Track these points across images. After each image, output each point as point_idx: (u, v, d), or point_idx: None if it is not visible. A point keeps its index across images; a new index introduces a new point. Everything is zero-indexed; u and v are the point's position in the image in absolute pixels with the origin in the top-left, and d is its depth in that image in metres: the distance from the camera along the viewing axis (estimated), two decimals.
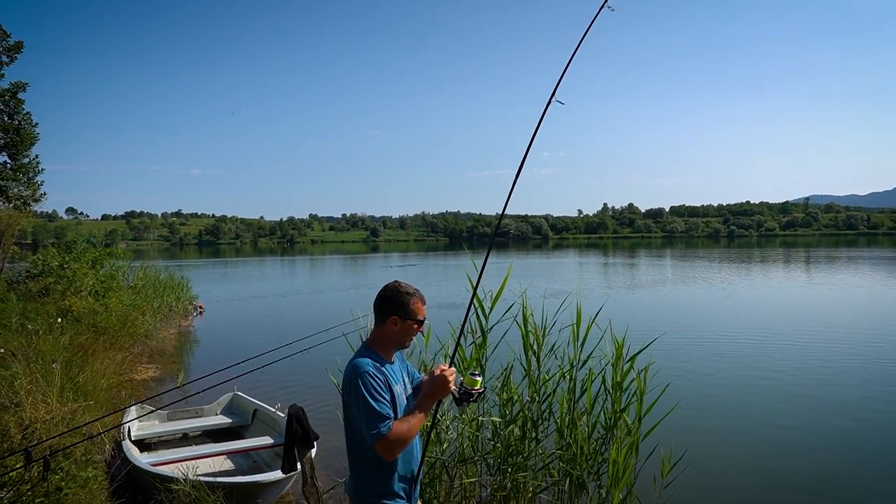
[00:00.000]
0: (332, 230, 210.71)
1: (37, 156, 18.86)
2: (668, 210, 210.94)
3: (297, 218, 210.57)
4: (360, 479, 2.67)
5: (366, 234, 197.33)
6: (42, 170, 19.02)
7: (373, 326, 2.81)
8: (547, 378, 5.08)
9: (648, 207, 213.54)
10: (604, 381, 4.97)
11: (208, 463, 6.87)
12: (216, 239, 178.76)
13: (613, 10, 3.34)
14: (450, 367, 2.76)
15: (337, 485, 6.33)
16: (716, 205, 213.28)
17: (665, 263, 51.55)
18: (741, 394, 10.17)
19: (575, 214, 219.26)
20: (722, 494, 6.54)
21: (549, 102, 3.22)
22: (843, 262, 47.07)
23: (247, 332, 17.74)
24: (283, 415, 7.25)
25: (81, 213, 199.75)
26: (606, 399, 4.91)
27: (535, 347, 4.99)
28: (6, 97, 17.71)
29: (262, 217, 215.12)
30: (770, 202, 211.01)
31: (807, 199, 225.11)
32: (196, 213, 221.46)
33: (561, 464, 4.83)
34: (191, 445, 7.61)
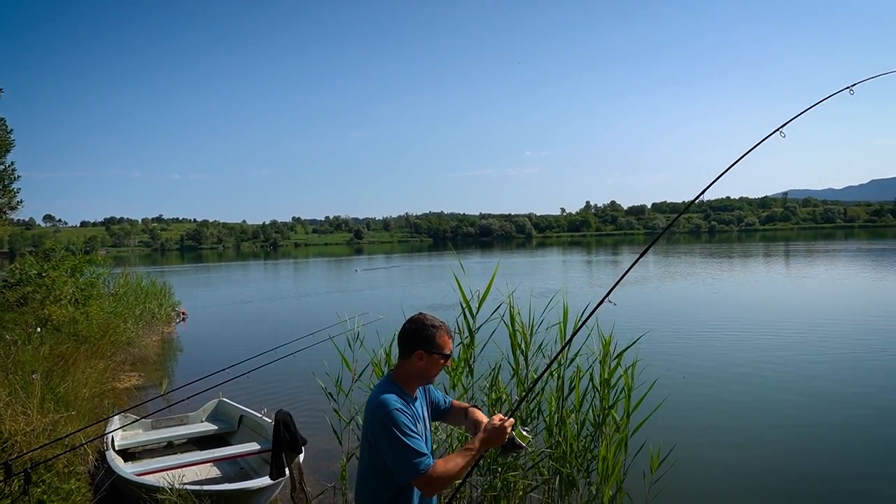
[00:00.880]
0: (315, 233, 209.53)
1: (12, 163, 18.46)
2: (649, 207, 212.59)
3: (279, 221, 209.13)
4: None
5: (349, 237, 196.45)
6: (18, 177, 18.66)
7: (397, 360, 2.74)
8: (535, 376, 5.07)
9: (630, 205, 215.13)
10: (591, 379, 4.98)
11: (194, 471, 6.78)
12: (198, 244, 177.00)
13: (784, 136, 3.33)
14: (509, 418, 2.69)
15: (326, 489, 6.29)
16: (697, 200, 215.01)
17: (648, 260, 51.91)
18: (728, 389, 10.25)
19: (558, 213, 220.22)
20: (710, 489, 6.58)
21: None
22: (823, 256, 47.77)
23: (231, 338, 17.58)
24: (269, 420, 7.18)
25: (60, 221, 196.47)
26: (594, 396, 4.92)
27: (522, 346, 4.98)
28: None
29: (244, 221, 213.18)
30: (749, 197, 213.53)
31: (785, 193, 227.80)
32: (177, 218, 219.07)
33: (551, 462, 4.83)
34: (176, 454, 7.50)
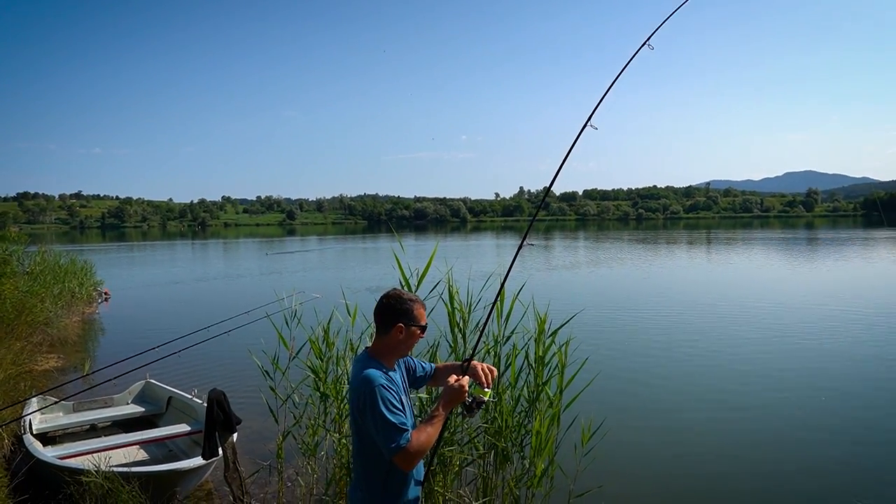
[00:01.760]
0: (246, 213, 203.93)
1: None
2: (581, 194, 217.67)
3: (208, 200, 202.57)
4: (373, 492, 2.65)
5: (282, 217, 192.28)
6: None
7: (375, 335, 2.78)
8: (472, 354, 5.16)
9: (563, 191, 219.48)
10: (527, 356, 5.10)
11: (121, 454, 6.57)
12: (121, 222, 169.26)
13: (653, 48, 3.42)
14: (464, 376, 2.79)
15: (261, 468, 6.22)
16: (625, 189, 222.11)
17: (579, 245, 53.32)
18: (655, 366, 10.75)
19: (492, 197, 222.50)
20: (636, 459, 6.92)
21: (583, 127, 3.44)
22: (742, 244, 50.35)
23: (158, 318, 16.99)
24: (200, 401, 7.02)
25: None
26: (529, 373, 5.05)
27: (461, 325, 5.06)
28: None
29: (171, 199, 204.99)
30: (675, 186, 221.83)
31: (708, 183, 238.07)
32: (98, 195, 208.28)
33: (486, 437, 4.94)
34: (100, 437, 7.23)
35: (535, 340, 5.05)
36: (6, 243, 16.30)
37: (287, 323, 5.53)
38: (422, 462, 2.78)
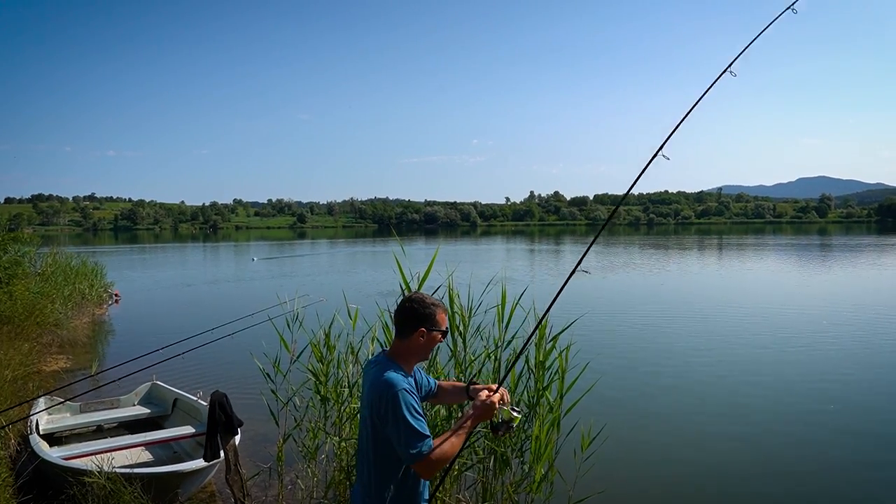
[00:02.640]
0: (257, 216, 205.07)
1: None
2: (591, 198, 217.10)
3: (220, 203, 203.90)
4: (383, 498, 2.58)
5: (292, 220, 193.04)
6: None
7: (394, 338, 2.73)
8: (473, 358, 5.17)
9: (573, 195, 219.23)
10: (527, 361, 5.09)
11: (125, 455, 6.61)
12: (133, 224, 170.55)
13: (735, 75, 3.30)
14: (495, 394, 2.70)
15: (261, 471, 6.24)
16: (637, 193, 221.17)
17: (589, 249, 53.02)
18: (658, 371, 10.69)
19: (503, 202, 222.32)
20: (637, 466, 6.89)
21: (654, 156, 3.34)
22: (754, 249, 49.99)
23: (166, 320, 17.11)
24: (205, 403, 7.05)
25: None
26: (529, 378, 5.04)
27: (461, 328, 5.06)
28: None
29: (182, 202, 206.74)
30: (686, 192, 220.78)
31: (720, 189, 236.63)
32: (111, 197, 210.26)
33: (486, 441, 4.94)
34: (106, 438, 7.29)
35: (536, 345, 5.04)
36: (19, 245, 16.48)
37: (289, 326, 5.55)
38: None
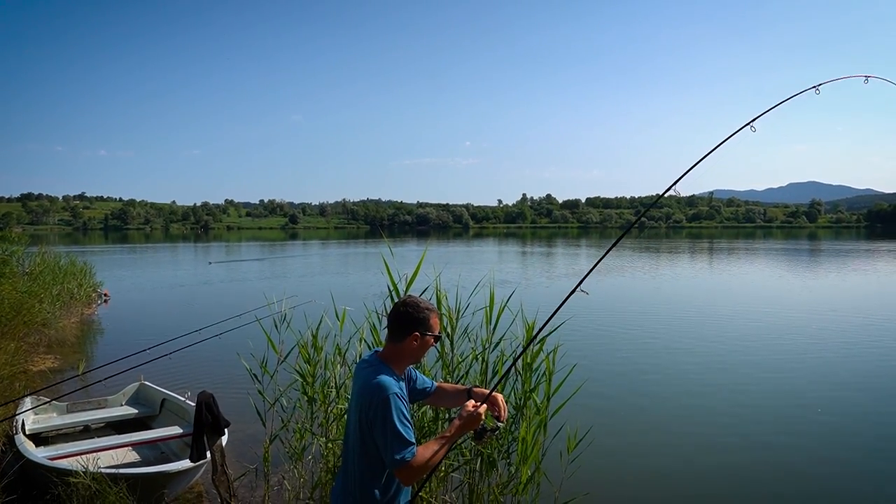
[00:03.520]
0: (249, 216, 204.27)
1: None
2: (584, 201, 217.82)
3: (211, 203, 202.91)
4: (368, 498, 2.59)
5: (284, 221, 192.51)
6: None
7: (387, 341, 2.72)
8: (460, 360, 5.18)
9: (566, 199, 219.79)
10: (514, 363, 5.10)
11: (111, 455, 6.58)
12: (124, 224, 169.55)
13: (755, 131, 3.31)
14: (482, 404, 2.68)
15: (248, 471, 6.23)
16: (628, 197, 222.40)
17: (580, 252, 53.31)
18: (645, 374, 10.75)
19: (495, 204, 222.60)
20: (622, 467, 6.92)
21: (667, 190, 3.40)
22: (744, 254, 50.29)
23: (155, 320, 17.04)
24: (192, 403, 7.03)
25: None
26: (517, 380, 5.05)
27: (448, 329, 5.07)
28: None
29: (174, 202, 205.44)
30: (678, 195, 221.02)
31: (711, 193, 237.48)
32: (102, 197, 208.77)
33: (472, 443, 4.94)
34: (93, 438, 7.25)
35: (523, 346, 5.05)
36: (6, 244, 16.37)
37: (277, 327, 5.55)
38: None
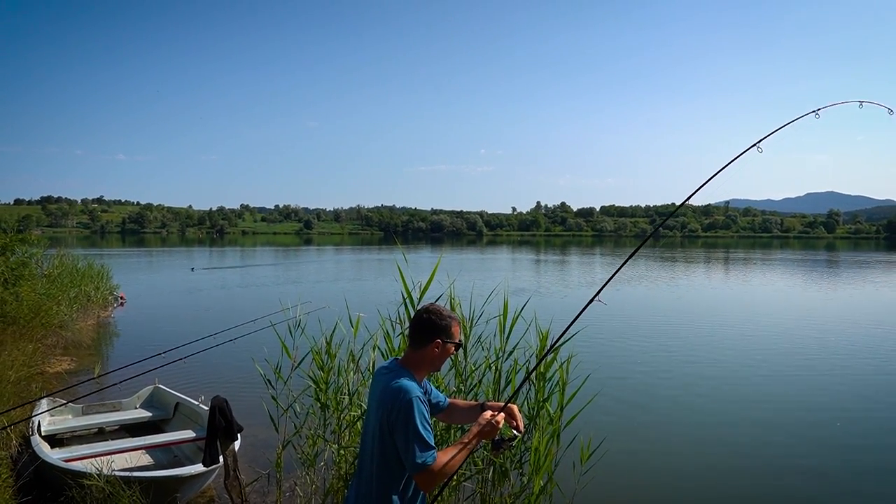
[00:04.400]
0: (263, 221, 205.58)
1: None
2: (598, 210, 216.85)
3: (227, 208, 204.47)
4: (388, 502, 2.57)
5: (299, 226, 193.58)
6: None
7: (407, 348, 2.75)
8: (473, 368, 5.16)
9: (580, 207, 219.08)
10: (528, 372, 5.08)
11: (125, 458, 6.62)
12: (141, 227, 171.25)
13: (762, 151, 3.41)
14: (499, 414, 2.70)
15: (260, 477, 6.24)
16: (643, 206, 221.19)
17: (595, 261, 53.06)
18: (659, 386, 10.64)
19: (509, 212, 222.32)
20: (636, 480, 6.85)
21: (663, 222, 3.23)
22: (760, 264, 49.78)
23: (170, 324, 17.16)
24: (206, 408, 7.06)
25: None
26: (530, 389, 5.03)
27: (461, 338, 5.05)
28: None
29: (190, 206, 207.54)
30: (694, 205, 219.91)
31: (727, 202, 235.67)
32: (119, 200, 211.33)
33: (485, 452, 4.92)
34: (107, 440, 7.30)
35: (537, 356, 5.03)
36: (26, 246, 16.59)
37: (291, 332, 5.56)
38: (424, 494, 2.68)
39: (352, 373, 5.27)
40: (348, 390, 5.22)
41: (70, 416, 7.73)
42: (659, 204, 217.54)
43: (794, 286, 31.54)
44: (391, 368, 2.68)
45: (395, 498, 2.56)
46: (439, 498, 4.76)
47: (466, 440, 2.58)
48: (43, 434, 6.87)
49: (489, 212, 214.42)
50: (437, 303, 2.85)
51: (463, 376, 5.10)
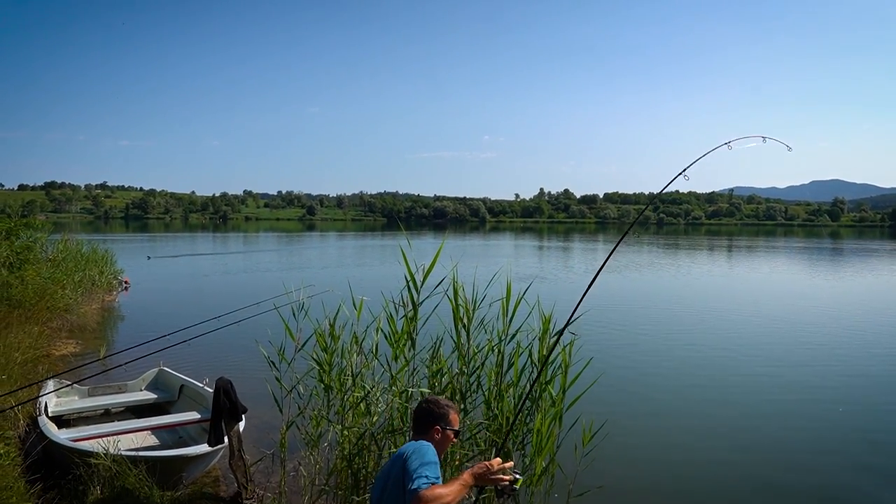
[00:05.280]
0: (266, 207, 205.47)
1: None
2: (601, 197, 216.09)
3: (230, 193, 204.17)
4: None
5: (302, 213, 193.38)
6: None
7: (413, 435, 2.97)
8: (476, 351, 5.19)
9: (583, 193, 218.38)
10: (530, 355, 5.12)
11: (131, 438, 6.70)
12: (144, 213, 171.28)
13: (688, 178, 3.78)
14: (495, 458, 2.80)
15: (264, 457, 6.30)
16: (647, 192, 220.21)
17: (598, 247, 53.02)
18: (661, 369, 10.69)
19: (512, 198, 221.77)
20: (637, 461, 6.91)
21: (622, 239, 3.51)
22: (763, 252, 49.69)
23: (174, 307, 17.24)
24: (210, 390, 7.12)
25: None
26: (532, 371, 5.06)
27: (464, 321, 5.08)
28: None
29: (193, 192, 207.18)
30: (697, 192, 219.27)
31: (731, 190, 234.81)
32: (123, 186, 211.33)
33: (488, 433, 4.97)
34: (113, 421, 7.38)
35: (539, 339, 5.06)
36: (31, 231, 16.64)
37: (295, 315, 5.59)
38: None
39: (355, 355, 5.31)
40: (351, 372, 5.26)
41: (76, 398, 7.80)
42: (662, 192, 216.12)
43: (798, 274, 31.50)
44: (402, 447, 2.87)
45: None
46: (444, 479, 4.82)
47: (461, 478, 2.66)
48: (50, 415, 6.94)
49: (492, 198, 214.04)
50: (435, 395, 2.99)
51: (466, 358, 5.13)
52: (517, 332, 5.19)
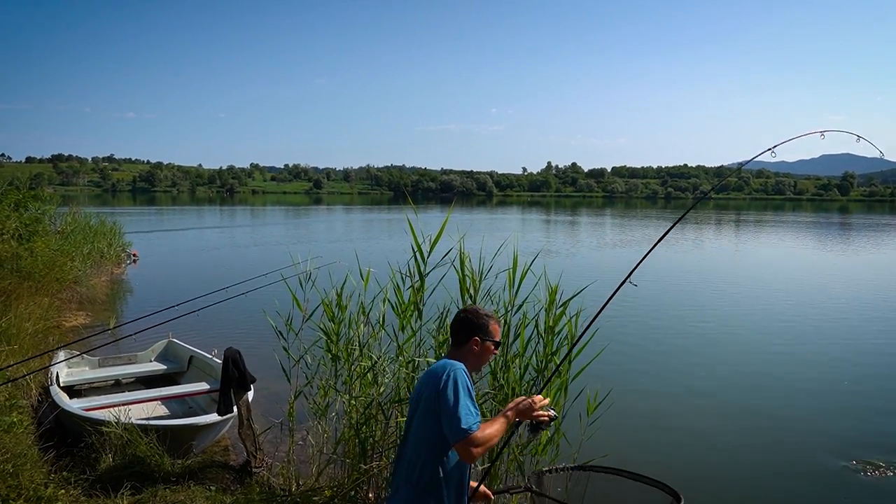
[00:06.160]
0: (273, 180, 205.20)
1: None
2: (609, 171, 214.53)
3: (237, 167, 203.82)
4: (420, 489, 2.56)
5: (308, 186, 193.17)
6: None
7: (450, 347, 2.83)
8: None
9: (591, 167, 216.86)
10: (536, 326, 5.12)
11: (141, 408, 6.80)
12: (151, 186, 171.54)
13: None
14: (543, 397, 2.78)
15: (272, 426, 6.38)
16: (655, 167, 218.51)
17: (605, 222, 52.86)
18: (666, 340, 10.74)
19: (519, 172, 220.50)
20: (642, 431, 6.98)
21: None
22: (770, 226, 49.42)
23: (183, 280, 17.36)
24: (219, 361, 7.19)
25: (3, 155, 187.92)
26: (538, 342, 5.07)
27: (471, 291, 5.08)
28: None
29: (200, 165, 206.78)
30: (706, 166, 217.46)
31: (740, 164, 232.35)
32: (130, 159, 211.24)
33: (494, 403, 5.00)
34: (123, 391, 7.48)
35: (546, 310, 5.06)
36: (39, 203, 16.70)
37: (302, 286, 5.61)
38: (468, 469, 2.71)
39: (362, 325, 5.32)
40: (359, 342, 5.28)
41: (87, 369, 7.91)
42: (671, 165, 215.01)
43: (807, 248, 31.33)
44: (437, 363, 2.76)
45: (424, 478, 2.56)
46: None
47: (504, 415, 2.62)
48: (61, 385, 7.05)
49: (500, 172, 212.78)
50: (474, 304, 2.90)
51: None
52: (524, 302, 5.18)
